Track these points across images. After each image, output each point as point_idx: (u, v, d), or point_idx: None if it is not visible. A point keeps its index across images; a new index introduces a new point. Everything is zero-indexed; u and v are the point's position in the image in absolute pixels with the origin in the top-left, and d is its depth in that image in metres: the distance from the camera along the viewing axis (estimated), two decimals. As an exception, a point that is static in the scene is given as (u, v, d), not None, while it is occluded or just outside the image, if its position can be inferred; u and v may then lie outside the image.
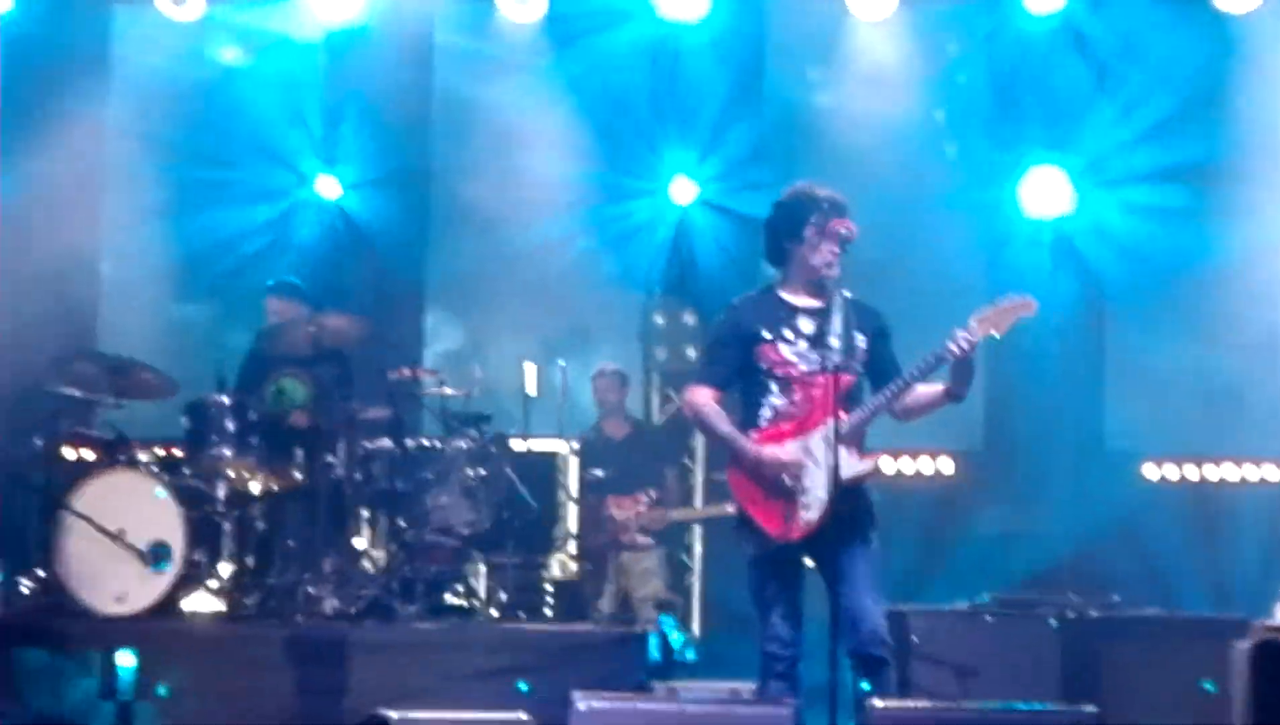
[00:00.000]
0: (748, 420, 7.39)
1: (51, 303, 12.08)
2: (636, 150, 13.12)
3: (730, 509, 11.32)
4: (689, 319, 13.10)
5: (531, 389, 11.56)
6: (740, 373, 7.41)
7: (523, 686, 9.17)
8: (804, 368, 7.30)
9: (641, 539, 11.78)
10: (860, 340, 7.35)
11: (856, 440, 7.27)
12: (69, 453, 10.74)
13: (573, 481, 11.56)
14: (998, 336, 7.23)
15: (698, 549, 12.65)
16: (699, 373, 7.73)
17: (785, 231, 7.46)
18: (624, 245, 13.18)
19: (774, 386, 7.34)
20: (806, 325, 7.35)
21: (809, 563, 7.35)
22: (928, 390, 7.35)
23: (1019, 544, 11.68)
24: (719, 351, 7.54)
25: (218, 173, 13.02)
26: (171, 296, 13.17)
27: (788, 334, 7.35)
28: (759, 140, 12.82)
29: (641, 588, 11.82)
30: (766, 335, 7.35)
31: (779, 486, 7.25)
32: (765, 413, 7.35)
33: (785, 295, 7.45)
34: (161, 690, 9.38)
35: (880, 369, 7.36)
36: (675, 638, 10.42)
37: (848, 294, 7.37)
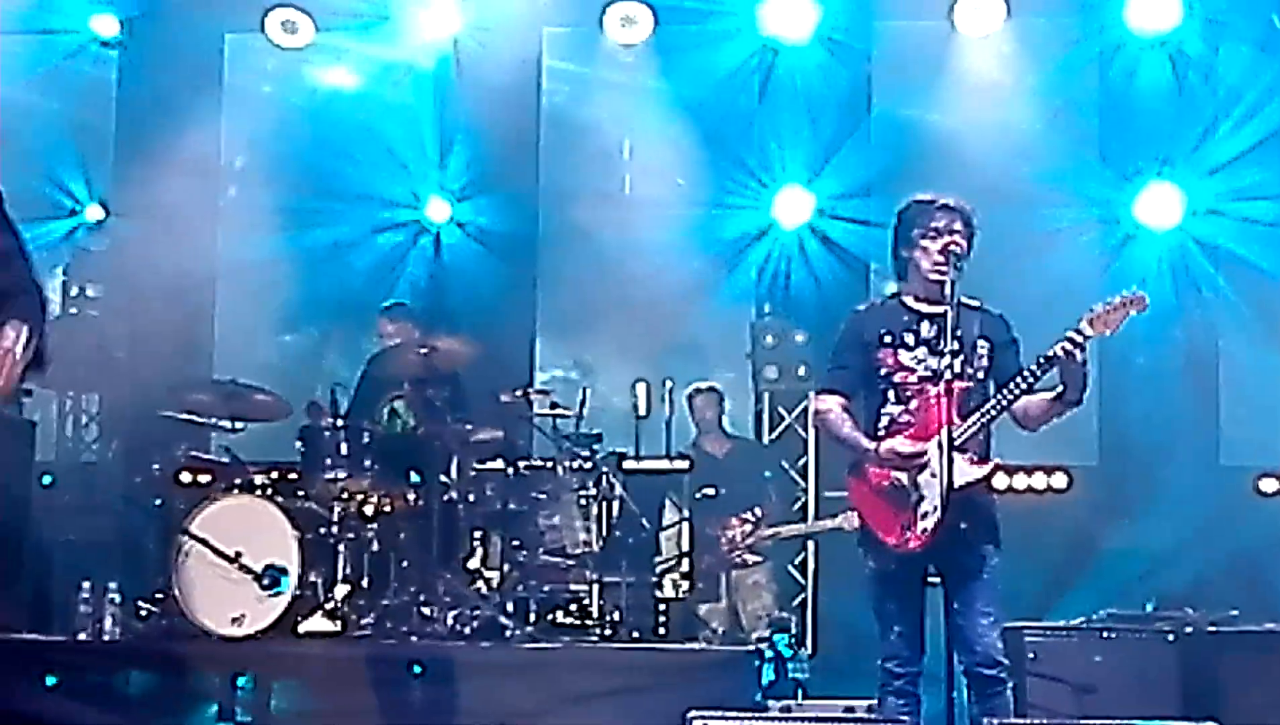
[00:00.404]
0: (867, 428, 7.38)
1: (167, 329, 12.21)
2: (745, 169, 13.11)
3: (833, 524, 11.43)
4: (798, 338, 13.07)
5: (642, 408, 11.57)
6: (863, 380, 7.42)
7: None
8: (921, 374, 7.28)
9: (749, 557, 11.77)
10: (982, 347, 7.30)
11: (974, 448, 7.21)
12: (186, 477, 10.85)
13: (684, 500, 11.53)
14: (1109, 335, 7.13)
15: (810, 565, 12.59)
16: (823, 380, 7.71)
17: (902, 239, 7.46)
18: (733, 264, 13.17)
19: (892, 394, 7.33)
20: (926, 331, 7.32)
21: (933, 580, 7.30)
22: (1043, 396, 7.27)
23: (1135, 559, 11.56)
24: (841, 358, 7.53)
25: (329, 197, 13.13)
26: (285, 320, 13.29)
27: (907, 339, 7.33)
28: (867, 157, 12.79)
29: (752, 603, 11.81)
30: (886, 341, 7.34)
31: (898, 495, 7.23)
32: (882, 421, 7.34)
33: (906, 302, 7.45)
34: (278, 711, 9.48)
35: (1004, 376, 7.29)
36: (789, 655, 10.39)
37: (973, 302, 7.34)
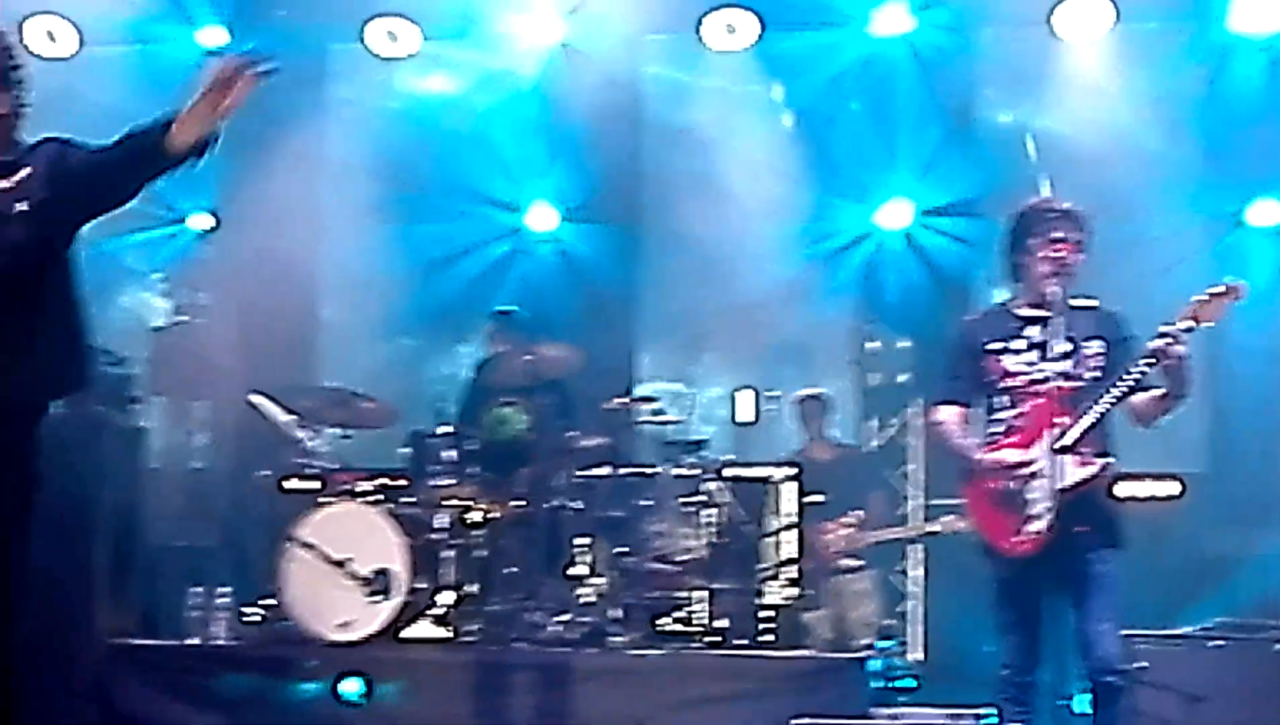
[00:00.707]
0: (982, 435, 7.36)
1: (274, 336, 12.30)
2: (847, 175, 13.06)
3: (933, 529, 11.38)
4: (902, 344, 13.03)
5: (746, 415, 11.57)
6: (976, 388, 7.40)
7: None
8: (1031, 378, 7.27)
9: (847, 562, 11.74)
10: (1094, 347, 7.26)
11: (1088, 449, 7.16)
12: (293, 483, 10.92)
13: (788, 507, 11.51)
14: (1209, 325, 7.05)
15: (916, 572, 12.53)
16: (938, 391, 7.71)
17: (1015, 244, 7.45)
18: (836, 271, 13.12)
19: (1003, 399, 7.32)
20: (1035, 335, 7.31)
21: (1052, 586, 7.25)
22: (1153, 392, 7.20)
23: (1246, 567, 11.44)
24: (954, 368, 7.55)
25: (433, 206, 13.19)
26: (390, 328, 13.35)
27: (1015, 345, 7.33)
28: (971, 162, 12.72)
29: (856, 611, 11.78)
30: (994, 347, 7.34)
31: (1007, 498, 7.20)
32: (995, 427, 7.33)
33: (1015, 308, 7.44)
34: (384, 717, 9.53)
35: (1118, 376, 7.22)
36: (895, 663, 10.35)
37: (1087, 302, 7.30)
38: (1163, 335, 6.94)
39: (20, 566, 5.71)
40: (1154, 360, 6.99)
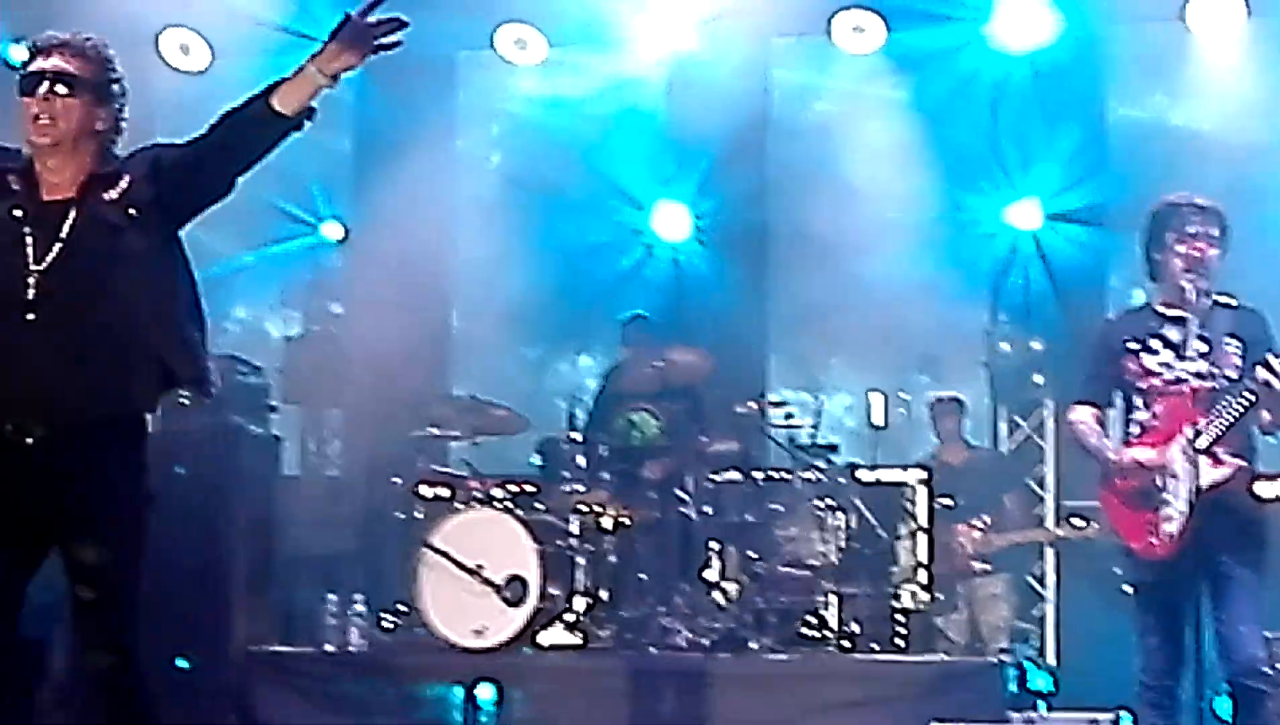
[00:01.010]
0: (1120, 436, 7.30)
1: (406, 344, 12.38)
2: (976, 175, 12.96)
3: (1064, 532, 11.28)
4: (1035, 345, 12.91)
5: (878, 418, 11.52)
6: (1114, 388, 7.34)
7: None
8: (1167, 378, 7.18)
9: (978, 565, 11.67)
10: (1232, 346, 7.16)
11: (1227, 449, 7.05)
12: (427, 491, 11.00)
13: (921, 511, 11.46)
14: None
15: (1051, 576, 12.42)
16: (1076, 391, 7.64)
17: (1153, 241, 7.36)
18: (967, 271, 13.02)
19: (1139, 400, 7.24)
20: (1173, 335, 7.21)
21: (1191, 589, 7.15)
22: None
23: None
24: (1092, 367, 7.48)
25: (563, 212, 13.22)
26: (521, 335, 13.41)
27: (1153, 345, 7.23)
28: (1103, 161, 12.60)
29: (990, 614, 11.70)
30: (1132, 347, 7.25)
31: (1142, 500, 7.12)
32: (1132, 428, 7.26)
33: (1156, 306, 7.35)
34: (519, 722, 9.56)
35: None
36: (1030, 667, 10.26)
37: (1228, 300, 7.20)
38: (1266, 365, 6.84)
39: (133, 587, 5.62)
40: (1254, 397, 6.89)
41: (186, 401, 9.58)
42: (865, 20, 12.61)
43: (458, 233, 13.59)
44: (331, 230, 13.69)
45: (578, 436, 10.77)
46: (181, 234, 5.79)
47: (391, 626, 10.54)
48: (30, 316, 5.48)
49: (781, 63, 13.50)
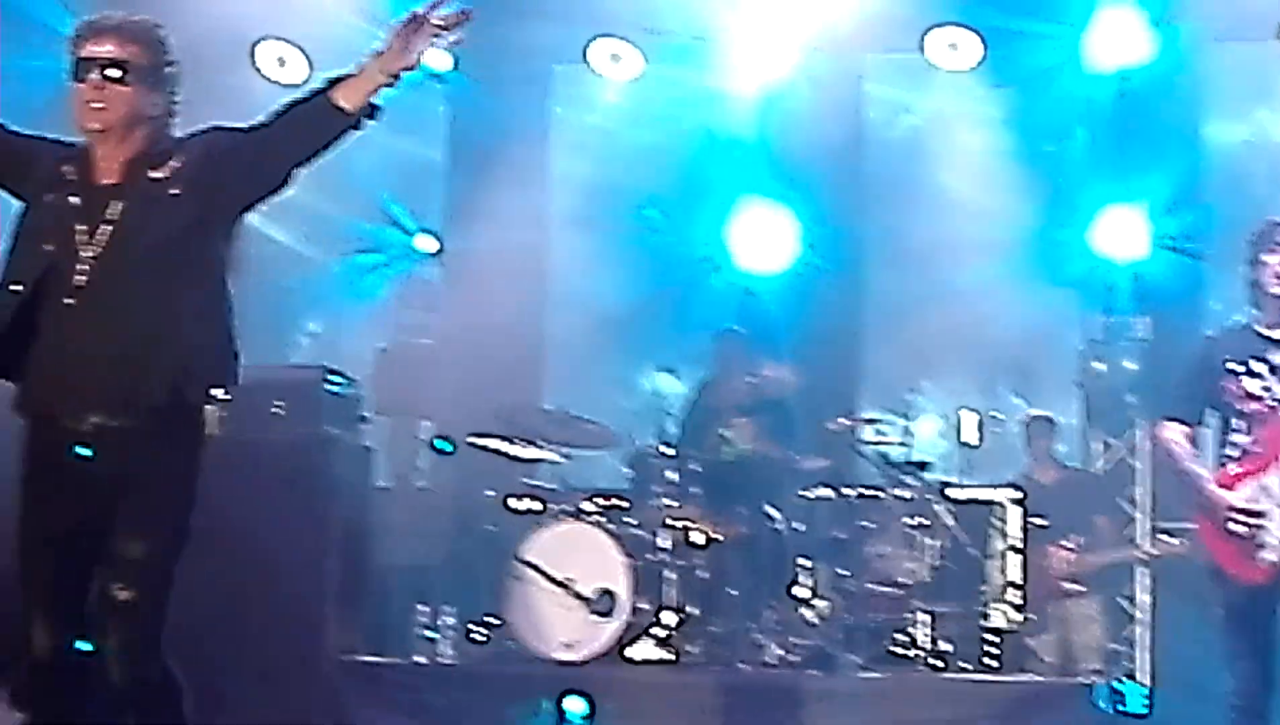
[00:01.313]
0: (1216, 456, 7.23)
1: (498, 356, 12.42)
2: (1071, 193, 12.88)
3: (1158, 552, 11.19)
4: (1129, 365, 12.81)
5: (969, 436, 11.47)
6: (1210, 407, 7.26)
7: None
8: (1268, 403, 7.11)
9: (1070, 586, 11.60)
10: None
11: None
12: (517, 504, 11.02)
13: (1013, 529, 11.40)
14: None
15: (1144, 597, 12.32)
16: (1168, 406, 7.57)
17: (1250, 261, 7.29)
18: (1061, 291, 12.95)
19: (1240, 423, 7.17)
20: (1276, 358, 7.14)
21: None
22: None
23: None
24: (1186, 386, 7.41)
25: (656, 228, 13.22)
26: (613, 349, 13.41)
27: (1255, 367, 7.16)
28: (1203, 180, 12.50)
29: (1081, 635, 11.63)
30: (1233, 368, 7.17)
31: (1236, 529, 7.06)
32: (1231, 451, 7.18)
33: (1258, 327, 7.27)
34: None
35: None
36: (1123, 688, 10.19)
37: None
38: None
39: (166, 590, 5.46)
40: None
41: (280, 411, 9.71)
42: (960, 37, 12.57)
43: (551, 245, 13.61)
44: (424, 242, 13.74)
45: (669, 450, 10.76)
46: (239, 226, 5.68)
47: (481, 639, 10.56)
48: (80, 302, 5.40)
49: (876, 77, 13.46)
